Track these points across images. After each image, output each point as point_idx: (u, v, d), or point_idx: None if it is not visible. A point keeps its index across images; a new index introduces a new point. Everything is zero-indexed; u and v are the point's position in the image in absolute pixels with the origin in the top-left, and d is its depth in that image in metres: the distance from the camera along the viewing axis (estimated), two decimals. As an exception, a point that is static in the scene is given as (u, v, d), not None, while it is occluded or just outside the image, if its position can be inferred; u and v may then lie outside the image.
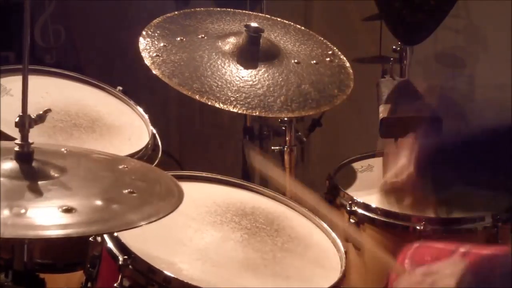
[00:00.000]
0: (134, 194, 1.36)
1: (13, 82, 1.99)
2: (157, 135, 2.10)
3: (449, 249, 1.67)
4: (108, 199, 1.33)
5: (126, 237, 1.57)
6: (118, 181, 1.43)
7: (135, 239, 1.58)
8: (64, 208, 1.24)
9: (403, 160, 1.62)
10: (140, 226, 1.28)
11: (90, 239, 1.68)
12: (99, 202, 1.31)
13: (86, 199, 1.32)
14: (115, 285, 1.52)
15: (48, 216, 1.24)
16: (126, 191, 1.36)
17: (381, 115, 2.27)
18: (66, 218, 1.23)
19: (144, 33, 2.12)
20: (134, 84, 2.77)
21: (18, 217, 1.21)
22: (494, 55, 3.41)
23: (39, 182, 1.32)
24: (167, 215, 1.33)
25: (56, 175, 1.35)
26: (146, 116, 2.15)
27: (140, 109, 2.18)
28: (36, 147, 1.36)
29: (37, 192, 1.29)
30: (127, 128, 2.09)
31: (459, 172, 1.57)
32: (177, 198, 1.40)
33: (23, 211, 1.23)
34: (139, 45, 2.08)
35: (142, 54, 2.05)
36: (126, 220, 1.29)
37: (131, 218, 1.29)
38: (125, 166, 1.51)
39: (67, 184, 1.34)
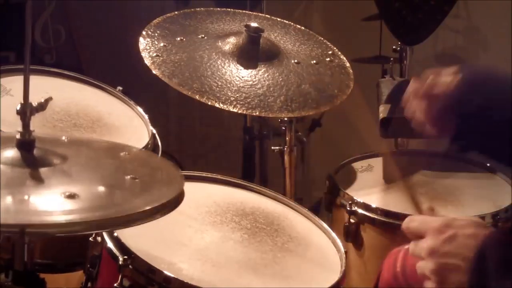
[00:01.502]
0: (137, 180, 1.35)
1: (13, 82, 1.99)
2: (157, 135, 2.10)
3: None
4: (110, 185, 1.32)
5: (126, 237, 1.57)
6: (120, 168, 1.43)
7: (135, 239, 1.58)
8: (67, 194, 1.24)
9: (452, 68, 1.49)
10: (143, 219, 1.27)
11: (90, 239, 1.68)
12: (101, 188, 1.31)
13: (88, 185, 1.31)
14: (115, 285, 1.52)
15: (51, 202, 1.23)
16: (128, 177, 1.35)
17: (381, 115, 2.27)
18: (69, 204, 1.22)
19: (144, 33, 2.12)
20: (134, 84, 2.77)
21: (21, 204, 1.21)
22: (494, 55, 3.41)
23: (41, 170, 1.31)
24: (170, 200, 1.31)
25: (57, 162, 1.35)
26: (146, 116, 2.15)
27: (140, 109, 2.17)
28: (37, 136, 1.36)
29: (39, 179, 1.29)
30: (127, 128, 2.09)
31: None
32: (179, 184, 1.39)
33: (26, 197, 1.22)
34: (139, 45, 2.08)
35: (142, 54, 2.05)
36: (130, 206, 1.27)
37: (134, 204, 1.28)
38: (126, 153, 1.50)
39: (68, 171, 1.33)
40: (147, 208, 1.26)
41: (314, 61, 2.19)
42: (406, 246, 1.53)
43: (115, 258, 1.55)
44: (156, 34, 2.12)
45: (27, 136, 1.35)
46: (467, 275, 1.28)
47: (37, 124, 1.38)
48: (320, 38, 2.33)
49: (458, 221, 1.35)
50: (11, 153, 1.34)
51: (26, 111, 1.35)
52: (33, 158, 1.34)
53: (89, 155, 1.46)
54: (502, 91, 1.45)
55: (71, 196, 1.24)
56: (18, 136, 1.35)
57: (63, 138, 1.52)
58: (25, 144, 1.34)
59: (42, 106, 1.40)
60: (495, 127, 1.42)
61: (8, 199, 1.20)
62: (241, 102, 1.96)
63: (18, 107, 1.35)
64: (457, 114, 1.45)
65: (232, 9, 2.32)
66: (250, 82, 2.03)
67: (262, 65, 2.10)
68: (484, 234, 1.30)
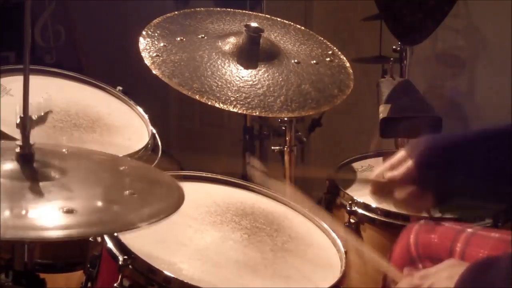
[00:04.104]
0: (135, 195, 1.36)
1: (13, 82, 1.99)
2: (157, 135, 2.10)
3: (456, 229, 1.69)
4: (108, 200, 1.33)
5: (126, 237, 1.57)
6: (119, 182, 1.43)
7: (135, 239, 1.58)
8: (65, 209, 1.24)
9: (401, 153, 1.57)
10: (141, 227, 1.28)
11: (90, 239, 1.68)
12: (100, 203, 1.31)
13: (86, 200, 1.31)
14: (115, 285, 1.52)
15: (49, 217, 1.24)
16: (127, 192, 1.36)
17: (381, 115, 2.27)
18: (67, 219, 1.23)
19: (144, 33, 2.12)
20: (134, 84, 2.77)
21: (19, 218, 1.21)
22: (494, 55, 3.41)
23: (40, 183, 1.32)
24: (167, 216, 1.33)
25: (56, 176, 1.35)
26: (146, 116, 2.15)
27: (140, 109, 2.18)
28: (37, 148, 1.36)
29: (38, 193, 1.29)
30: (127, 128, 2.09)
31: (460, 173, 1.52)
32: (178, 199, 1.40)
33: (24, 212, 1.23)
34: (139, 45, 2.08)
35: (142, 54, 2.05)
36: (127, 221, 1.28)
37: (132, 219, 1.29)
38: (126, 167, 1.51)
39: (67, 185, 1.33)
40: (144, 224, 1.28)
41: (314, 61, 2.19)
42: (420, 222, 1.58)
43: (115, 258, 1.55)
44: (156, 34, 2.12)
45: (27, 149, 1.35)
46: None
47: (36, 124, 1.38)
48: (320, 38, 2.33)
49: (432, 269, 1.47)
50: (11, 166, 1.34)
51: (26, 124, 1.35)
52: (33, 171, 1.34)
53: (88, 169, 1.47)
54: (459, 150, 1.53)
55: (69, 211, 1.24)
56: (18, 149, 1.35)
57: (63, 150, 1.52)
58: (25, 157, 1.35)
59: (42, 119, 1.40)
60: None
61: (7, 213, 1.21)
62: (241, 102, 1.97)
63: (18, 120, 1.35)
64: (426, 184, 1.54)
65: (232, 9, 2.32)
66: (250, 82, 2.03)
67: (262, 65, 2.10)
68: (459, 274, 1.40)
